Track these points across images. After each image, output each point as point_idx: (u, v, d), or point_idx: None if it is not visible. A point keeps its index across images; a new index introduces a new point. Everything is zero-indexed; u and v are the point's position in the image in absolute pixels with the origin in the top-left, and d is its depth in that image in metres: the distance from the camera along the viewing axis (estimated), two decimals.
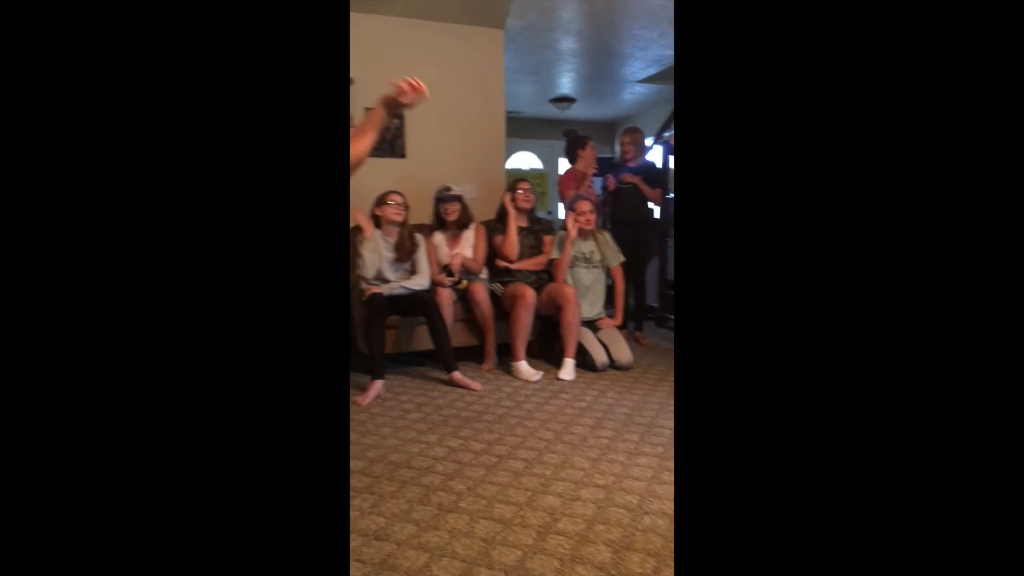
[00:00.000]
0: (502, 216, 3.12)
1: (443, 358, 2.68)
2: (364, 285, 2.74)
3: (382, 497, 1.60)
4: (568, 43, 4.09)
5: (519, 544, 1.36)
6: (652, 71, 4.77)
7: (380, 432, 2.10)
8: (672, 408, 2.32)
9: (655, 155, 3.99)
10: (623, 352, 2.96)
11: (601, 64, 4.63)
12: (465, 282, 2.93)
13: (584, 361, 2.92)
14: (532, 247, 3.15)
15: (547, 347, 3.16)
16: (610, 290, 3.22)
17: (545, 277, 3.09)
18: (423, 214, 3.15)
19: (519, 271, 3.07)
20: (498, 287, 3.06)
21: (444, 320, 2.70)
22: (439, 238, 3.06)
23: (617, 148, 3.94)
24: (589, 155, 3.56)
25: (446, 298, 2.81)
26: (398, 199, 2.78)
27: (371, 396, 2.46)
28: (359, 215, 2.74)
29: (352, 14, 3.23)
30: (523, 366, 2.81)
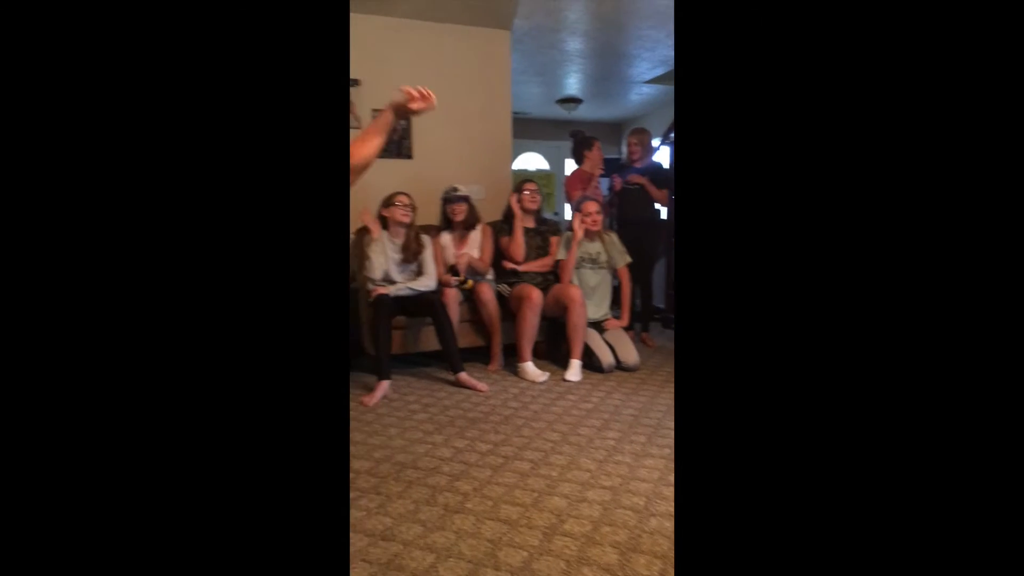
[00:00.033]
0: (508, 217, 3.12)
1: (449, 359, 2.68)
2: (371, 286, 2.75)
3: (388, 497, 1.60)
4: (575, 44, 4.09)
5: (525, 545, 1.36)
6: (659, 72, 4.76)
7: (387, 432, 2.11)
8: None
9: (662, 156, 3.98)
10: (630, 353, 2.95)
11: (608, 65, 4.63)
12: (471, 282, 2.94)
13: (590, 362, 2.91)
14: (538, 248, 3.15)
15: (553, 348, 3.16)
16: (616, 291, 3.22)
17: (551, 278, 3.09)
18: (430, 215, 3.16)
19: (525, 272, 3.07)
20: (504, 288, 3.06)
21: (451, 321, 2.71)
22: (446, 238, 3.07)
23: (624, 149, 3.93)
24: (596, 156, 3.56)
25: (452, 299, 2.82)
26: (405, 200, 2.79)
27: (378, 396, 2.46)
28: (366, 216, 2.75)
29: (359, 15, 3.25)
30: (529, 367, 2.81)
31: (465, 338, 2.94)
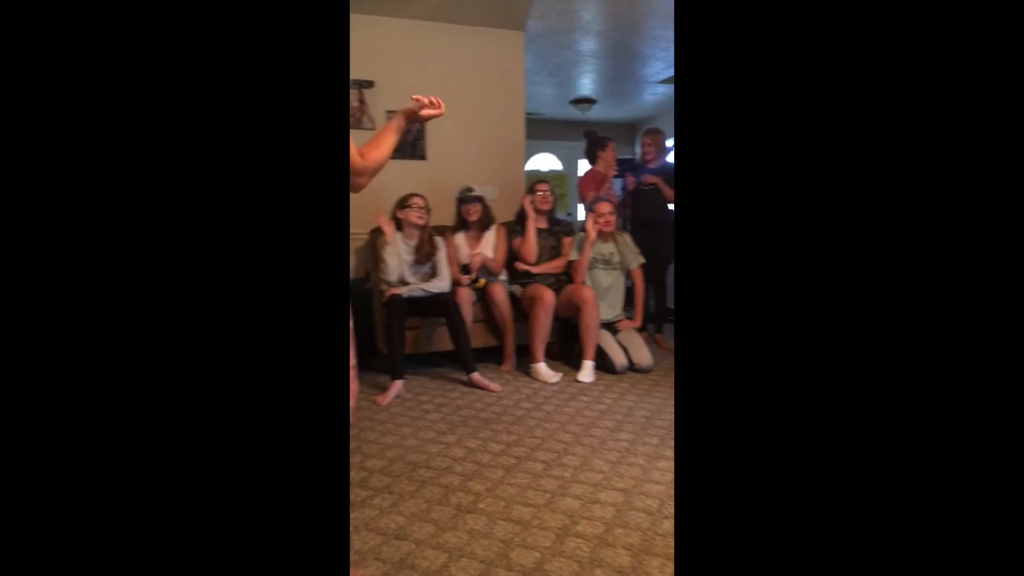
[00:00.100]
0: (522, 218, 3.12)
1: (462, 359, 2.69)
2: (384, 286, 2.76)
3: (401, 496, 1.61)
4: (588, 44, 4.08)
5: (538, 546, 1.36)
6: (673, 72, 4.74)
7: (400, 432, 2.12)
8: None
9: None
10: (642, 354, 2.94)
11: (622, 65, 4.61)
12: (483, 280, 2.94)
13: (603, 363, 2.90)
14: (551, 248, 3.15)
15: (566, 349, 3.15)
16: (630, 292, 3.20)
17: (564, 279, 3.09)
18: (443, 216, 3.17)
19: (538, 273, 3.07)
20: (517, 288, 3.07)
21: (464, 321, 2.72)
22: (460, 238, 3.08)
23: (638, 149, 3.92)
24: (609, 156, 3.55)
25: (466, 299, 2.82)
26: (420, 203, 2.80)
27: (391, 396, 2.48)
28: (380, 218, 2.76)
29: (373, 17, 3.27)
30: (542, 368, 2.81)
31: (478, 338, 2.95)
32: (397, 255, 2.76)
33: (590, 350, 2.84)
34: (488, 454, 1.91)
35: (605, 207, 3.03)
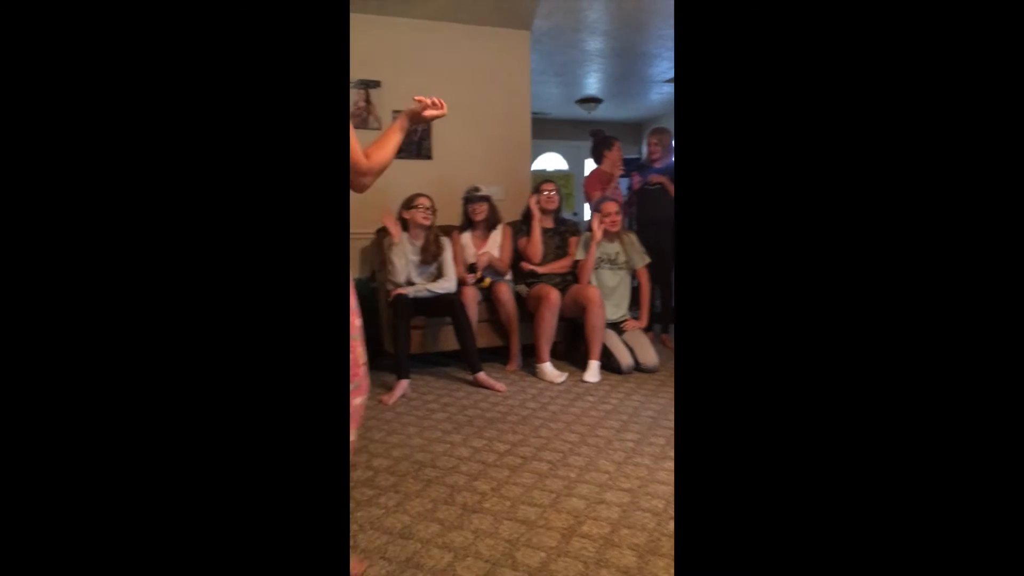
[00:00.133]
0: (528, 218, 3.12)
1: (468, 358, 2.69)
2: (390, 286, 2.77)
3: (407, 495, 1.61)
4: (595, 43, 4.07)
5: (543, 546, 1.36)
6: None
7: (405, 431, 2.12)
8: None
9: None
10: (649, 355, 2.93)
11: (628, 64, 4.60)
12: (488, 280, 2.94)
13: (609, 363, 2.90)
14: (557, 248, 3.14)
15: (572, 349, 3.15)
16: (636, 292, 3.19)
17: (570, 278, 3.08)
18: (449, 215, 3.17)
19: (544, 273, 3.07)
20: (522, 288, 3.06)
21: (470, 321, 2.72)
22: (466, 238, 3.08)
23: (644, 149, 3.91)
24: (615, 156, 3.54)
25: (471, 299, 2.82)
26: (426, 203, 2.80)
27: (397, 395, 2.48)
28: (387, 218, 2.76)
29: (379, 17, 3.28)
30: (548, 368, 2.81)
31: (483, 338, 2.95)
32: (404, 256, 2.76)
33: (596, 350, 2.83)
34: (494, 454, 1.91)
35: (611, 207, 3.02)
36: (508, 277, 3.10)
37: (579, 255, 3.05)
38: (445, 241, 2.88)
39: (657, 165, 3.56)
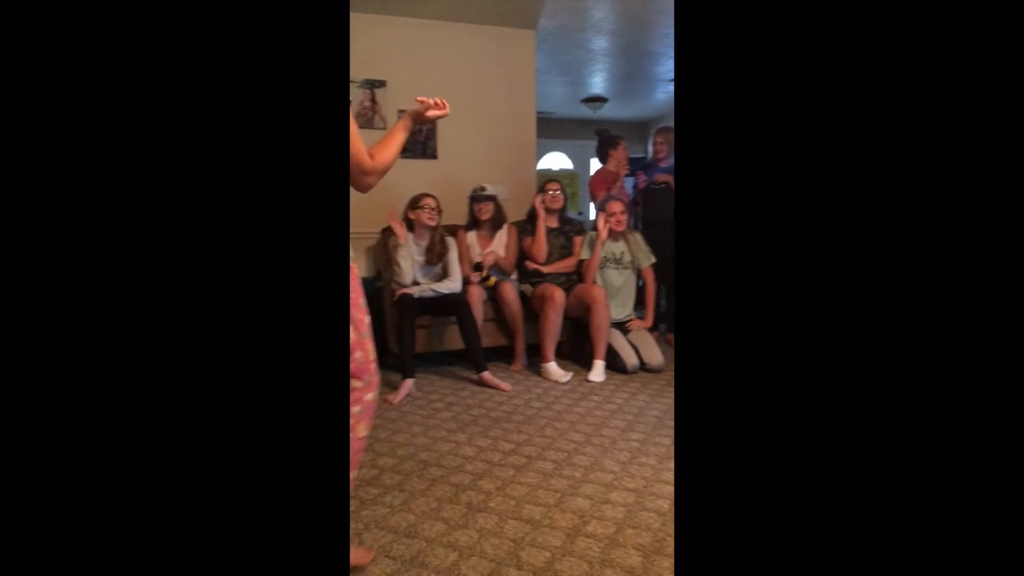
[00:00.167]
0: (533, 217, 3.12)
1: (473, 358, 2.69)
2: (395, 286, 2.77)
3: (412, 494, 1.61)
4: (600, 42, 4.07)
5: (548, 546, 1.35)
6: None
7: (410, 430, 2.12)
8: None
9: None
10: (654, 354, 2.92)
11: (634, 63, 4.59)
12: (494, 278, 2.94)
13: (614, 363, 2.89)
14: (562, 248, 3.14)
15: (577, 348, 3.15)
16: (641, 291, 3.19)
17: (575, 278, 3.08)
18: (454, 214, 3.17)
19: (549, 272, 3.07)
20: (527, 287, 3.06)
21: (475, 320, 2.72)
22: (472, 237, 3.08)
23: (650, 148, 3.90)
24: (621, 155, 3.53)
25: (476, 298, 2.83)
26: (432, 204, 2.80)
27: (402, 394, 2.49)
28: (393, 219, 2.77)
29: (384, 16, 3.28)
30: (553, 367, 2.80)
31: (488, 337, 2.95)
32: (410, 258, 2.76)
33: (601, 350, 2.83)
34: (498, 453, 1.91)
35: (616, 206, 3.01)
36: (513, 276, 3.10)
37: (584, 254, 3.04)
38: (450, 241, 2.88)
39: (663, 164, 3.54)
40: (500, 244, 3.07)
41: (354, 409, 1.22)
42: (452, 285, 2.81)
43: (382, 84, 3.33)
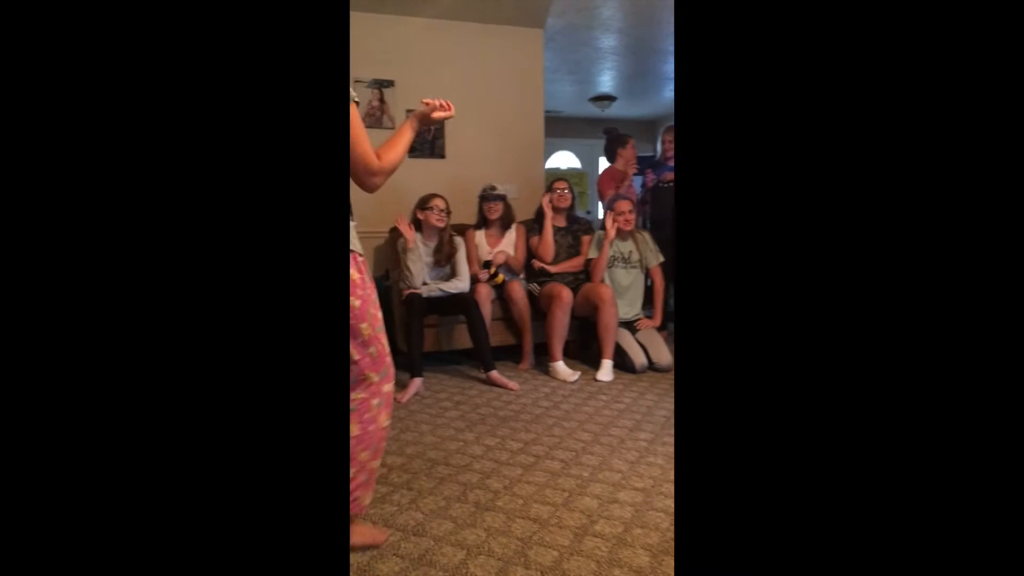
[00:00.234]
0: (541, 216, 3.12)
1: (481, 357, 2.70)
2: (402, 285, 2.78)
3: (420, 493, 1.62)
4: (608, 41, 4.06)
5: (556, 545, 1.35)
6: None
7: (419, 429, 2.13)
8: None
9: None
10: (662, 354, 2.91)
11: (642, 62, 4.57)
12: (501, 276, 2.94)
13: (622, 362, 2.88)
14: (570, 247, 3.14)
15: (585, 348, 3.14)
16: (649, 291, 3.18)
17: (582, 277, 3.07)
18: (462, 214, 3.18)
19: (556, 272, 3.07)
20: (535, 287, 3.06)
21: (483, 319, 2.72)
22: (480, 236, 3.08)
23: (659, 146, 3.88)
24: (629, 154, 3.52)
25: (485, 297, 2.83)
26: (441, 205, 2.80)
27: (410, 393, 2.50)
28: (401, 222, 2.77)
29: (392, 16, 3.29)
30: (560, 366, 2.80)
31: (496, 336, 2.95)
32: (419, 261, 2.77)
33: (609, 349, 2.82)
34: (506, 452, 1.91)
35: (625, 205, 3.00)
36: (521, 276, 3.10)
37: (592, 253, 3.03)
38: (459, 241, 2.89)
39: (671, 163, 3.53)
40: (509, 243, 3.07)
41: (374, 401, 1.24)
42: (460, 284, 2.81)
43: (390, 84, 3.34)
